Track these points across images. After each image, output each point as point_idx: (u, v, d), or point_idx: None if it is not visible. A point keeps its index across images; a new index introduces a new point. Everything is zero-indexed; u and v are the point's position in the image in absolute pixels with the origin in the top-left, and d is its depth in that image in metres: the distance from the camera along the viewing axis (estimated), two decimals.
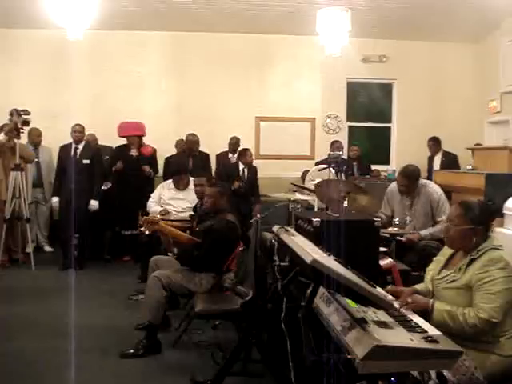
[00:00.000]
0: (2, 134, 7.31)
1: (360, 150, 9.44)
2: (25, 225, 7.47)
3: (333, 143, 8.93)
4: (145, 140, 8.20)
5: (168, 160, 8.48)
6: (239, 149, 8.74)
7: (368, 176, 8.88)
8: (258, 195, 8.58)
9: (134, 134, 7.98)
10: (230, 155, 8.87)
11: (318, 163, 8.12)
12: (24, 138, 7.83)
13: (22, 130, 7.35)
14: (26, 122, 7.36)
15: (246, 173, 8.46)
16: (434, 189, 5.54)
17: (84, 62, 9.25)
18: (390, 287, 3.25)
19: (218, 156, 9.01)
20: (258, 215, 5.44)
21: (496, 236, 3.11)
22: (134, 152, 7.96)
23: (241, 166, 8.47)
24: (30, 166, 8.01)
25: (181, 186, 6.86)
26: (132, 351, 4.44)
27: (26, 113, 7.27)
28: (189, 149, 8.43)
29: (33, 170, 8.25)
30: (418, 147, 9.40)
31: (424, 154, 9.25)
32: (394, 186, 5.78)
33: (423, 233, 5.30)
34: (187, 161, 8.23)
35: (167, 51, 9.63)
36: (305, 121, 9.97)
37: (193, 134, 8.45)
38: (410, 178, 5.48)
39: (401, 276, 4.12)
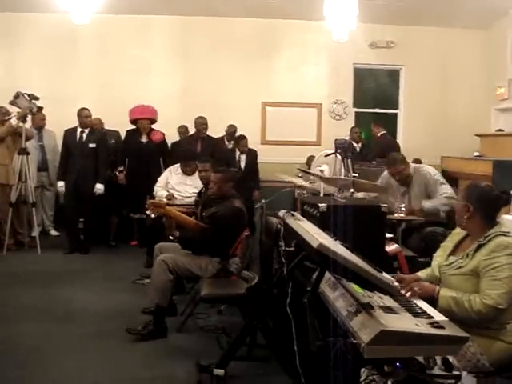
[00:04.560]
0: (14, 118, 7.29)
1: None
2: (30, 209, 7.50)
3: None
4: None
5: (175, 145, 8.47)
6: (237, 135, 8.68)
7: (374, 162, 8.84)
8: (257, 181, 8.56)
9: (142, 117, 7.95)
10: (227, 142, 8.84)
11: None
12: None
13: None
14: (40, 108, 7.40)
15: (242, 159, 8.47)
16: (428, 170, 5.46)
17: (90, 46, 9.26)
18: (394, 275, 3.25)
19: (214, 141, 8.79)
20: (263, 200, 5.42)
21: (504, 223, 3.09)
22: (144, 138, 7.94)
23: (237, 153, 8.48)
24: (34, 150, 8.02)
25: (188, 171, 6.85)
26: (140, 328, 4.47)
27: (35, 97, 7.26)
28: (197, 130, 8.42)
29: (37, 154, 8.26)
30: (424, 133, 9.38)
31: (431, 140, 9.22)
32: (385, 174, 5.73)
33: (426, 204, 5.23)
34: (195, 144, 8.22)
35: (173, 36, 9.59)
36: (311, 106, 9.92)
37: (201, 117, 8.42)
38: (397, 164, 5.40)
39: (407, 262, 4.11)
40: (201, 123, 8.38)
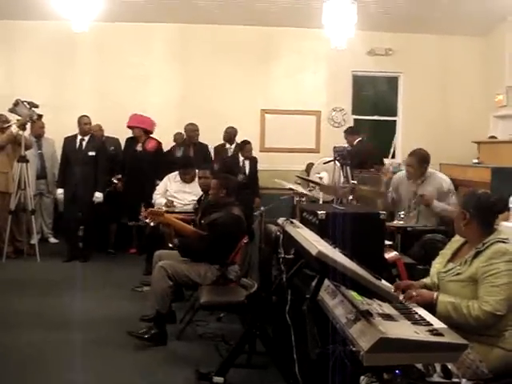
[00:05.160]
0: (14, 126, 7.29)
1: None
2: (29, 216, 7.49)
3: None
4: None
5: (168, 152, 8.48)
6: (240, 140, 8.65)
7: (372, 170, 8.82)
8: (257, 188, 8.57)
9: (137, 125, 7.99)
10: (228, 145, 8.80)
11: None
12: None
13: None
14: (40, 116, 7.40)
15: (246, 165, 8.45)
16: (444, 178, 5.49)
17: (89, 54, 9.27)
18: (399, 282, 3.25)
19: (215, 148, 8.83)
20: (262, 208, 5.42)
21: (502, 230, 3.11)
22: (139, 147, 7.98)
23: (241, 158, 8.46)
24: (33, 158, 8.02)
25: (187, 179, 6.85)
26: (142, 331, 4.47)
27: (34, 105, 7.26)
28: (189, 137, 8.43)
29: (36, 162, 8.25)
30: (423, 140, 9.33)
31: (429, 147, 9.18)
32: (401, 173, 5.77)
33: (437, 203, 5.24)
34: (187, 151, 8.25)
35: (172, 43, 9.60)
36: (310, 114, 9.93)
37: (192, 124, 8.43)
38: (418, 160, 5.44)
39: (406, 269, 4.11)
40: (192, 130, 8.38)
